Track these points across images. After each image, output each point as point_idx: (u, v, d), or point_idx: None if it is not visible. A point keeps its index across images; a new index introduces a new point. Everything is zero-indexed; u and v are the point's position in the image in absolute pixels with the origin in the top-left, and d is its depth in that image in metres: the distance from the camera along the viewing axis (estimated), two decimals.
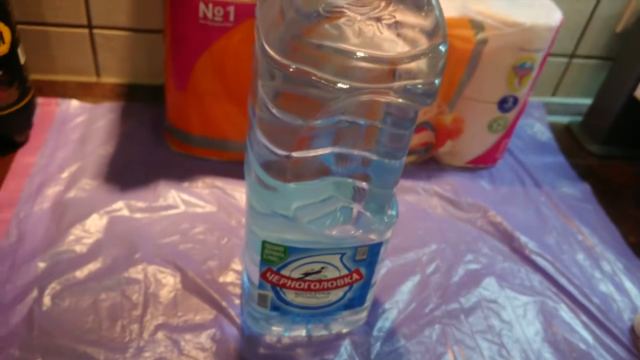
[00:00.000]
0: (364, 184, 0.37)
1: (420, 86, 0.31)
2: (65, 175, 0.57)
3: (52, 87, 0.68)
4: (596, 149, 0.75)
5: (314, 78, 0.29)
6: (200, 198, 0.57)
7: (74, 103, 0.67)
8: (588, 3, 0.72)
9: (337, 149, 0.34)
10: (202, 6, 0.49)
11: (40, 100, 0.67)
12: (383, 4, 0.29)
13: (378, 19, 0.29)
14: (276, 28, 0.29)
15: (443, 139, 0.64)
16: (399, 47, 0.29)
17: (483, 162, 0.67)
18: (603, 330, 0.51)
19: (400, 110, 0.32)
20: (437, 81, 0.32)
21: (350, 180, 0.36)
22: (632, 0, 0.72)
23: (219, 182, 0.59)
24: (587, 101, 0.79)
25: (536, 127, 0.77)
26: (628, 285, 0.56)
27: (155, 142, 0.63)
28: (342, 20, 0.28)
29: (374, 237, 0.39)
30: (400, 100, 0.31)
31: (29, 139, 0.62)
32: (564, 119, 0.80)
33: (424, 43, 0.30)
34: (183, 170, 0.60)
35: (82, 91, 0.69)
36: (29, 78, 0.60)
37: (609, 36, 0.76)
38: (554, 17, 0.57)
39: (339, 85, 0.29)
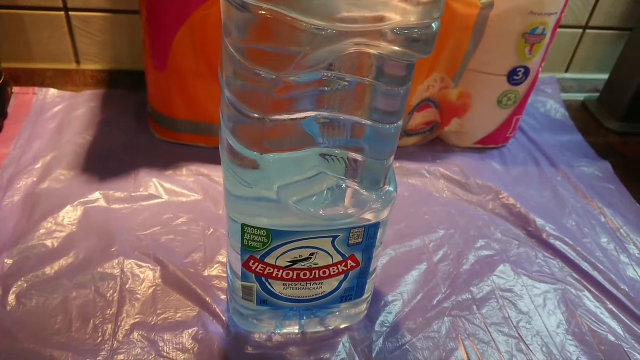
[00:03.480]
0: (356, 156, 0.32)
1: (415, 29, 0.26)
2: (38, 166, 0.53)
3: (30, 76, 0.64)
4: (616, 126, 0.70)
5: (288, 19, 0.24)
6: (184, 187, 0.53)
7: (52, 92, 0.62)
8: None
9: (321, 113, 0.29)
10: None
11: (16, 89, 0.62)
12: None
13: None
14: None
15: (449, 117, 0.59)
16: None
17: (493, 142, 0.62)
18: (634, 319, 0.45)
19: (393, 66, 0.27)
20: (434, 25, 0.27)
21: (339, 151, 0.31)
22: None
23: (205, 170, 0.54)
24: (603, 77, 0.73)
25: (549, 104, 0.71)
26: None
27: (138, 129, 0.59)
28: None
29: (370, 217, 0.34)
30: (395, 47, 0.26)
31: (2, 130, 0.57)
32: (579, 96, 0.74)
33: None
34: (167, 158, 0.56)
35: (62, 79, 0.65)
36: (1, 67, 0.56)
37: (626, 4, 0.70)
38: None
39: (318, 29, 0.24)
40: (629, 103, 0.69)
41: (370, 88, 0.29)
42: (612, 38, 0.73)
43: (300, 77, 0.27)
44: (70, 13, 0.61)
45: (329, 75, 0.28)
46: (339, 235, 0.34)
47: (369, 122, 0.30)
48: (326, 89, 0.29)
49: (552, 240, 0.51)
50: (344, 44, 0.26)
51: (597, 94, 0.74)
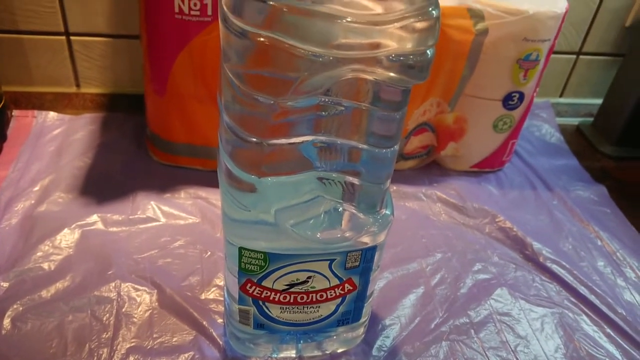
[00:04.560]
0: (353, 179, 0.32)
1: (411, 56, 0.26)
2: (37, 188, 0.53)
3: (29, 99, 0.64)
4: (610, 150, 0.70)
5: (286, 45, 0.25)
6: (182, 209, 0.53)
7: (52, 115, 0.63)
8: None
9: (318, 137, 0.30)
10: (177, 0, 0.46)
11: (16, 112, 0.63)
12: None
13: None
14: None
15: (445, 141, 0.60)
16: (385, 9, 0.25)
17: (489, 166, 0.63)
18: (631, 343, 0.45)
19: (390, 91, 0.28)
20: (429, 52, 0.27)
21: (336, 175, 0.32)
22: None
23: (203, 192, 0.55)
24: (597, 101, 0.74)
25: (544, 128, 0.72)
26: None
27: (136, 152, 0.59)
28: None
29: (366, 241, 0.34)
30: (390, 74, 0.27)
31: (1, 153, 0.58)
32: (573, 121, 0.75)
33: (413, 3, 0.26)
34: (165, 180, 0.56)
35: (61, 102, 0.65)
36: (1, 90, 0.56)
37: (618, 31, 0.72)
38: (559, 4, 0.53)
39: (316, 56, 0.25)
40: (622, 127, 0.70)
41: (367, 113, 0.29)
42: (605, 64, 0.74)
43: (298, 102, 0.27)
44: (72, 37, 0.62)
45: (326, 100, 0.28)
46: (335, 259, 0.34)
47: (365, 146, 0.31)
48: (323, 113, 0.29)
49: (548, 264, 0.51)
50: (341, 70, 0.26)
51: (592, 119, 0.75)
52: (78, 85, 0.66)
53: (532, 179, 0.63)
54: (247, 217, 0.33)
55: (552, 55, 0.57)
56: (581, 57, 0.73)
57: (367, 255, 0.35)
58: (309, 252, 0.34)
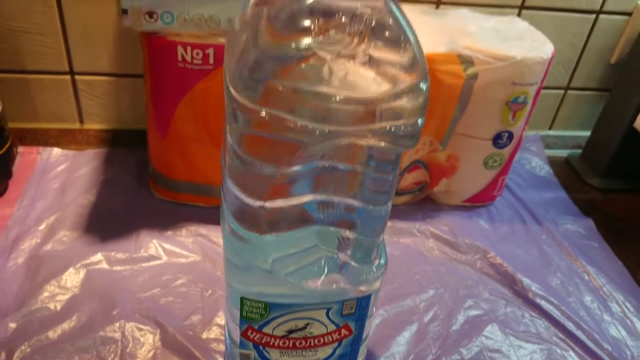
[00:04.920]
0: (349, 233, 0.34)
1: (402, 127, 0.29)
2: (42, 227, 0.55)
3: (34, 135, 0.66)
4: (598, 182, 0.73)
5: (286, 123, 0.27)
6: (183, 247, 0.54)
7: (56, 151, 0.65)
8: (580, 35, 0.71)
9: (317, 196, 0.32)
10: (180, 49, 0.48)
11: (21, 149, 0.65)
12: (356, 40, 0.27)
13: (352, 57, 0.27)
14: (242, 70, 0.27)
15: (437, 178, 0.62)
16: (377, 87, 0.27)
17: (480, 200, 0.65)
18: None
19: (382, 153, 0.30)
20: (419, 121, 0.29)
21: (333, 229, 0.34)
22: (625, 30, 0.71)
23: (204, 230, 0.56)
24: (586, 133, 0.77)
25: (534, 161, 0.74)
26: None
27: (139, 189, 0.61)
28: (313, 60, 0.26)
29: (362, 289, 0.36)
30: (382, 143, 0.29)
31: (7, 190, 0.59)
32: (562, 153, 0.78)
33: (403, 81, 0.28)
34: (166, 218, 0.58)
35: (65, 138, 0.67)
36: (7, 127, 0.58)
37: (604, 67, 0.74)
38: (546, 49, 0.55)
39: (314, 129, 0.27)
40: (609, 160, 0.72)
41: (362, 174, 0.31)
42: (593, 98, 0.77)
43: (296, 168, 0.29)
44: (76, 77, 0.64)
45: (324, 164, 0.30)
46: (332, 307, 0.36)
47: (360, 204, 0.32)
48: (322, 172, 0.31)
49: (537, 300, 0.53)
50: (337, 140, 0.28)
51: (580, 150, 0.77)
52: (82, 122, 0.68)
53: (522, 213, 0.65)
54: (248, 264, 0.35)
55: (542, 91, 0.59)
56: (569, 92, 0.76)
57: (363, 302, 0.37)
58: (307, 300, 0.35)
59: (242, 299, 0.35)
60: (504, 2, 0.67)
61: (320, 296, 0.35)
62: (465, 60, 0.53)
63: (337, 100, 0.26)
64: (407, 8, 0.62)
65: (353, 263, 0.35)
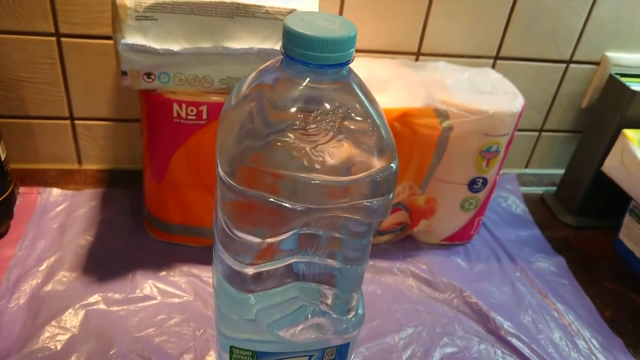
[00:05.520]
0: (328, 288, 0.37)
1: (375, 202, 0.32)
2: (43, 267, 0.58)
3: (34, 176, 0.70)
4: (570, 220, 0.77)
5: (270, 201, 0.30)
6: (176, 287, 0.58)
7: (55, 191, 0.68)
8: (552, 82, 0.76)
9: (300, 258, 0.35)
10: (175, 106, 0.52)
11: (22, 189, 0.68)
12: (333, 128, 0.30)
13: (328, 144, 0.31)
14: (231, 154, 0.31)
15: (417, 219, 0.66)
16: (352, 170, 0.31)
17: (458, 239, 0.68)
18: None
19: (357, 223, 0.34)
20: (391, 195, 0.33)
21: (314, 285, 0.37)
22: (594, 78, 0.76)
23: (196, 270, 0.60)
24: (560, 171, 0.81)
25: (510, 199, 0.78)
26: None
27: (135, 229, 0.64)
28: (294, 146, 0.30)
29: (341, 338, 0.39)
30: (357, 217, 0.32)
31: (9, 230, 0.62)
32: (538, 190, 0.82)
33: (374, 163, 0.32)
34: (161, 257, 0.61)
35: (64, 178, 0.70)
36: (9, 171, 0.61)
37: (575, 111, 0.79)
38: (516, 103, 0.60)
39: (295, 207, 0.30)
40: (581, 198, 0.76)
41: (339, 239, 0.35)
42: (566, 139, 0.82)
43: (280, 237, 0.33)
44: (76, 121, 0.68)
45: (305, 231, 0.34)
46: (314, 354, 0.40)
47: (339, 264, 0.36)
48: (303, 238, 0.35)
49: (509, 338, 0.57)
50: (317, 214, 0.32)
51: (555, 188, 0.82)
52: (80, 163, 0.71)
53: (497, 251, 0.69)
54: (235, 314, 0.38)
55: (517, 133, 0.63)
56: (543, 133, 0.80)
57: (342, 349, 0.40)
58: (291, 349, 0.39)
59: (231, 347, 0.39)
60: (480, 53, 0.71)
61: (302, 345, 0.39)
62: (441, 114, 0.58)
63: (316, 183, 0.30)
64: (389, 62, 0.66)
65: (332, 314, 0.39)
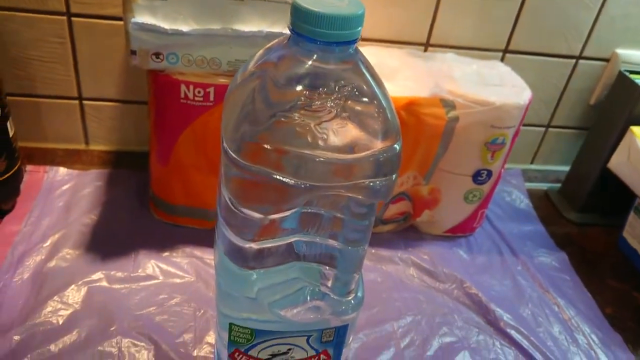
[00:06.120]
0: (329, 269, 0.38)
1: (378, 183, 0.32)
2: (47, 244, 0.58)
3: (42, 155, 0.70)
4: (574, 216, 0.76)
5: (274, 177, 0.31)
6: (179, 268, 0.58)
7: (62, 170, 0.68)
8: (561, 77, 0.75)
9: (301, 237, 0.36)
10: (183, 87, 0.52)
11: (29, 167, 0.68)
12: (338, 106, 0.31)
13: (333, 122, 0.31)
14: (236, 129, 0.31)
15: (420, 209, 0.66)
16: (356, 148, 0.31)
17: (461, 231, 0.68)
18: None
19: (359, 203, 0.34)
20: (394, 176, 0.33)
21: (315, 265, 0.37)
22: (603, 75, 0.75)
23: (198, 252, 0.60)
24: (566, 168, 0.81)
25: (514, 194, 0.78)
26: (603, 359, 0.56)
27: (139, 209, 0.65)
28: (299, 123, 0.30)
29: (340, 319, 0.40)
30: (359, 196, 0.32)
31: (15, 207, 0.63)
32: (542, 186, 0.82)
33: (378, 143, 0.32)
34: (164, 238, 0.61)
35: (71, 158, 0.71)
36: (18, 148, 0.62)
37: (583, 107, 0.79)
38: (523, 95, 0.59)
39: (298, 184, 0.31)
40: (586, 195, 0.76)
41: (341, 219, 0.35)
42: (572, 135, 0.81)
43: (282, 214, 0.33)
44: (84, 102, 0.68)
45: (307, 209, 0.34)
46: (312, 334, 0.40)
47: (340, 245, 0.36)
48: (305, 216, 0.35)
49: (508, 329, 0.57)
50: (320, 192, 0.32)
51: (559, 184, 0.81)
52: (87, 143, 0.72)
53: (500, 245, 0.69)
54: (236, 292, 0.38)
55: (524, 127, 0.63)
56: (550, 129, 0.80)
57: (340, 331, 0.40)
58: (289, 328, 0.39)
59: (230, 324, 0.39)
60: (489, 46, 0.71)
61: (301, 325, 0.39)
62: (448, 104, 0.58)
63: (320, 160, 0.30)
64: (397, 51, 0.66)
65: (332, 295, 0.39)
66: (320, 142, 0.30)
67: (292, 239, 0.35)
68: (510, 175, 0.80)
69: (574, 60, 0.74)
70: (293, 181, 0.31)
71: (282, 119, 0.31)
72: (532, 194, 0.79)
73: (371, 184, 0.32)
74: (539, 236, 0.72)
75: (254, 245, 0.34)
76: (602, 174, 0.73)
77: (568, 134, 0.81)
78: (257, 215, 0.32)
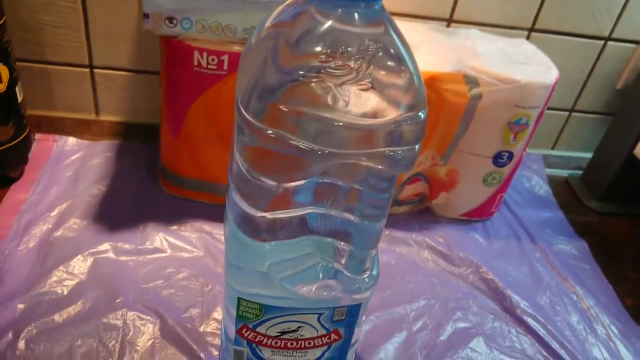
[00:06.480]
0: (344, 245, 0.36)
1: (400, 152, 0.30)
2: (54, 213, 0.57)
3: (51, 123, 0.69)
4: (595, 205, 0.74)
5: (290, 142, 0.29)
6: (187, 242, 0.57)
7: (71, 140, 0.67)
8: (588, 60, 0.73)
9: (316, 209, 0.34)
10: (196, 54, 0.50)
11: (38, 136, 0.67)
12: (360, 69, 0.28)
13: (355, 85, 0.29)
14: (252, 90, 0.29)
15: (437, 191, 0.64)
16: (378, 114, 0.29)
17: (478, 215, 0.66)
18: None
19: (380, 174, 0.32)
20: (417, 147, 0.31)
21: (330, 239, 0.36)
22: (632, 58, 0.72)
23: (208, 227, 0.59)
24: (587, 155, 0.78)
25: (534, 180, 0.76)
26: (623, 351, 0.54)
27: (149, 182, 0.63)
28: (318, 85, 0.28)
29: (353, 298, 0.38)
30: (380, 166, 0.30)
31: (23, 175, 0.62)
32: (563, 172, 0.79)
33: (403, 109, 0.30)
34: (173, 212, 0.60)
35: (80, 128, 0.69)
36: (26, 115, 0.60)
37: (609, 92, 0.76)
38: (550, 75, 0.57)
39: (316, 150, 0.29)
40: (608, 183, 0.74)
41: (359, 191, 0.33)
42: (597, 121, 0.78)
43: (298, 183, 0.31)
44: (95, 70, 0.66)
45: (324, 180, 0.32)
46: (324, 312, 0.38)
47: (356, 219, 0.34)
48: (321, 187, 0.33)
49: (525, 317, 0.55)
50: (337, 160, 0.30)
51: (581, 172, 0.79)
52: (97, 113, 0.70)
53: (518, 231, 0.67)
54: (246, 266, 0.37)
55: (547, 111, 0.60)
56: (574, 114, 0.77)
57: (353, 310, 0.39)
58: (300, 305, 0.37)
59: (239, 299, 0.37)
60: (515, 24, 0.68)
61: (313, 302, 0.37)
62: (471, 81, 0.55)
63: (340, 124, 0.28)
64: (419, 26, 0.64)
65: (346, 272, 0.37)
66: (341, 105, 0.28)
67: (306, 211, 0.33)
68: (531, 160, 0.78)
69: (602, 42, 0.71)
70: (310, 147, 0.29)
71: (300, 81, 0.29)
72: (552, 181, 0.77)
73: (392, 152, 0.30)
74: (559, 223, 0.70)
75: (267, 215, 0.32)
76: (627, 161, 0.71)
77: (592, 119, 0.78)
78: (271, 182, 0.30)
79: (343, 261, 0.37)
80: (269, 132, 0.29)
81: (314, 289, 0.37)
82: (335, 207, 0.34)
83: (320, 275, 0.37)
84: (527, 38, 0.70)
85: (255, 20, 0.49)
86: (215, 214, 0.60)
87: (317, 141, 0.29)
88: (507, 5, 0.67)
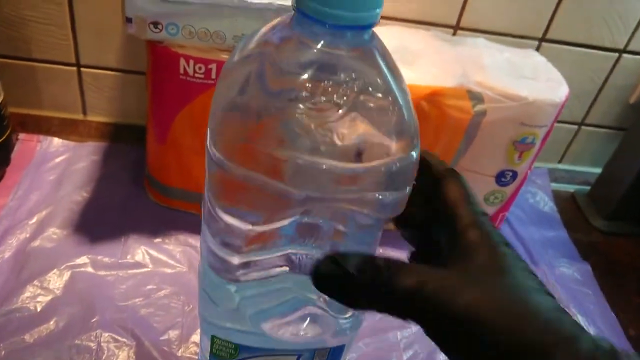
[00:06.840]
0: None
1: (389, 196, 0.27)
2: (33, 221, 0.55)
3: (36, 123, 0.66)
4: (601, 224, 0.71)
5: (264, 183, 0.26)
6: (170, 256, 0.54)
7: (56, 141, 0.64)
8: (601, 72, 0.69)
9: (295, 249, 0.31)
10: (182, 62, 0.47)
11: (22, 136, 0.64)
12: (347, 102, 0.25)
13: (339, 121, 0.26)
14: (223, 121, 0.26)
15: None
16: (365, 155, 0.26)
17: None
18: None
19: (365, 218, 0.29)
20: (407, 189, 0.28)
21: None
22: None
23: (193, 240, 0.56)
24: (596, 170, 0.75)
25: (539, 195, 0.73)
26: None
27: (135, 188, 0.61)
28: (298, 122, 0.25)
29: (335, 340, 0.35)
30: (365, 211, 0.28)
31: (4, 177, 0.59)
32: (569, 187, 0.76)
33: (392, 149, 0.27)
34: (158, 223, 0.57)
35: (67, 128, 0.67)
36: (7, 115, 0.58)
37: (622, 106, 0.72)
38: (560, 92, 0.53)
39: (292, 193, 0.26)
40: (617, 201, 0.70)
41: (343, 232, 0.30)
42: (607, 136, 0.75)
43: (273, 226, 0.28)
44: (82, 69, 0.63)
45: (305, 220, 0.30)
46: (303, 354, 0.35)
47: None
48: (302, 227, 0.30)
49: None
50: (318, 204, 0.27)
51: (588, 187, 0.75)
52: (85, 113, 0.68)
53: (520, 251, 0.64)
54: (220, 302, 0.34)
55: (555, 124, 0.57)
56: (583, 127, 0.74)
57: (335, 352, 0.36)
58: (277, 346, 0.35)
59: (212, 337, 0.35)
60: (525, 33, 0.65)
61: (291, 343, 0.34)
62: (475, 97, 0.52)
63: (323, 169, 0.25)
64: (422, 33, 0.60)
65: (329, 312, 0.34)
66: (322, 147, 0.25)
67: (284, 252, 0.31)
68: (536, 174, 0.75)
69: (616, 54, 0.67)
70: (286, 189, 0.26)
71: (278, 114, 0.26)
72: (557, 196, 0.73)
73: (380, 197, 0.27)
74: (562, 244, 0.67)
75: (238, 259, 0.29)
76: (637, 179, 0.68)
77: (602, 133, 0.75)
78: (242, 225, 0.28)
79: (326, 299, 0.34)
80: (239, 171, 0.26)
81: (292, 329, 0.34)
82: (317, 246, 0.31)
83: (300, 314, 0.34)
84: (537, 48, 0.66)
85: (246, 27, 0.46)
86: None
87: (295, 183, 0.26)
88: (518, 13, 0.63)
